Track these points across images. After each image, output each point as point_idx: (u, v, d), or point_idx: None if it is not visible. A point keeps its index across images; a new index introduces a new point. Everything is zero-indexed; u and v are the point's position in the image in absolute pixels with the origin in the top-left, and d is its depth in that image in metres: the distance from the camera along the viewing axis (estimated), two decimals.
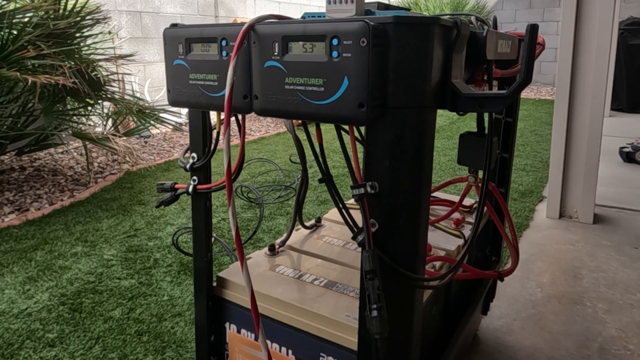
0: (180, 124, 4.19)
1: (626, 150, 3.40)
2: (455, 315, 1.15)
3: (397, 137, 0.60)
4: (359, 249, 0.72)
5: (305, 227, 1.14)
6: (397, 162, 0.61)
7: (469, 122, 4.92)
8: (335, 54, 0.57)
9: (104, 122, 3.31)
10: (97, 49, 3.09)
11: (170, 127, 3.40)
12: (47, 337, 1.44)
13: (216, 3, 5.35)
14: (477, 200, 1.14)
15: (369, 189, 0.62)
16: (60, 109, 2.99)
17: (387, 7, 0.70)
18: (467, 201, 1.26)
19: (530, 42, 0.59)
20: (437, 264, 0.96)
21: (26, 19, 2.67)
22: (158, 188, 0.87)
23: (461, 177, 1.15)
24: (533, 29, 0.59)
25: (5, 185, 2.84)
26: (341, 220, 0.86)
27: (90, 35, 3.02)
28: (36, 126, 2.99)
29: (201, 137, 0.84)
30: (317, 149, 0.79)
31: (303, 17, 0.68)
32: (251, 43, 0.65)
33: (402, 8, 0.71)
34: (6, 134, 2.69)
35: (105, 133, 3.10)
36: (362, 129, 0.93)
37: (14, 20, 2.60)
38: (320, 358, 0.79)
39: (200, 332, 0.94)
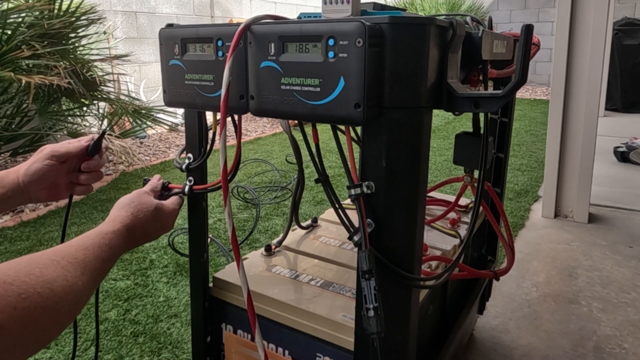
0: (176, 125, 4.18)
1: (621, 150, 3.42)
2: (451, 314, 1.15)
3: (393, 137, 0.60)
4: (355, 249, 0.72)
5: (302, 228, 1.14)
6: (393, 162, 0.61)
7: (465, 122, 4.93)
8: (331, 54, 0.57)
9: (100, 123, 3.30)
10: (92, 49, 3.08)
11: (166, 127, 3.39)
12: None
13: (212, 3, 5.34)
14: (473, 200, 1.14)
15: (365, 189, 0.62)
16: (55, 109, 2.98)
17: (383, 7, 0.70)
18: (463, 201, 1.26)
19: (525, 43, 0.59)
20: (433, 263, 0.96)
21: (20, 19, 2.66)
22: None
23: (457, 177, 1.15)
24: (528, 29, 0.59)
25: None
26: (337, 220, 0.85)
27: (85, 36, 3.00)
28: (31, 127, 2.97)
29: (197, 138, 0.84)
30: (314, 149, 0.79)
31: (299, 17, 0.68)
32: (247, 43, 0.64)
33: (397, 8, 0.71)
34: (0, 134, 2.68)
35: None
36: (359, 129, 0.94)
37: (8, 20, 2.59)
38: (317, 358, 0.79)
39: (196, 333, 0.94)
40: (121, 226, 0.68)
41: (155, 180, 0.84)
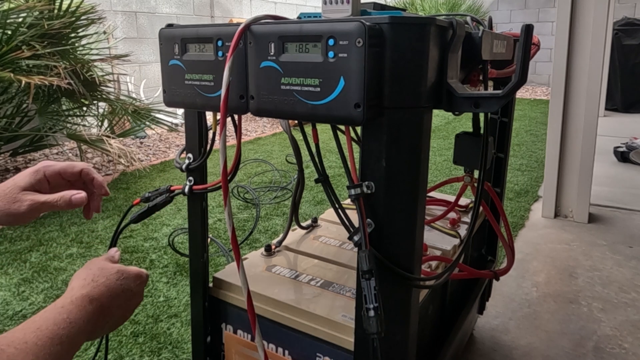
0: (176, 125, 4.18)
1: (621, 150, 3.42)
2: (451, 314, 1.15)
3: (393, 137, 0.60)
4: (355, 249, 0.72)
5: (302, 228, 1.14)
6: (393, 162, 0.61)
7: (465, 122, 4.93)
8: (331, 54, 0.57)
9: (99, 123, 3.30)
10: (92, 49, 3.08)
11: (166, 127, 3.38)
12: None
13: (212, 3, 5.34)
14: (473, 200, 1.14)
15: (365, 189, 0.62)
16: (55, 109, 2.98)
17: (383, 7, 0.70)
18: (463, 201, 1.26)
19: (525, 43, 0.59)
20: (433, 263, 0.96)
21: (20, 19, 2.65)
22: (142, 199, 0.86)
23: (457, 177, 1.15)
24: (528, 29, 0.59)
25: None
26: (337, 220, 0.86)
27: (85, 36, 3.00)
28: (31, 127, 2.97)
29: (197, 138, 0.84)
30: (314, 149, 0.79)
31: (299, 17, 0.68)
32: (247, 43, 0.64)
33: (398, 8, 0.71)
34: (0, 134, 2.68)
35: (99, 134, 3.09)
36: (359, 129, 0.94)
37: (7, 21, 2.59)
38: (317, 358, 0.79)
39: (196, 333, 0.94)
40: (80, 295, 0.59)
41: (112, 252, 0.74)
